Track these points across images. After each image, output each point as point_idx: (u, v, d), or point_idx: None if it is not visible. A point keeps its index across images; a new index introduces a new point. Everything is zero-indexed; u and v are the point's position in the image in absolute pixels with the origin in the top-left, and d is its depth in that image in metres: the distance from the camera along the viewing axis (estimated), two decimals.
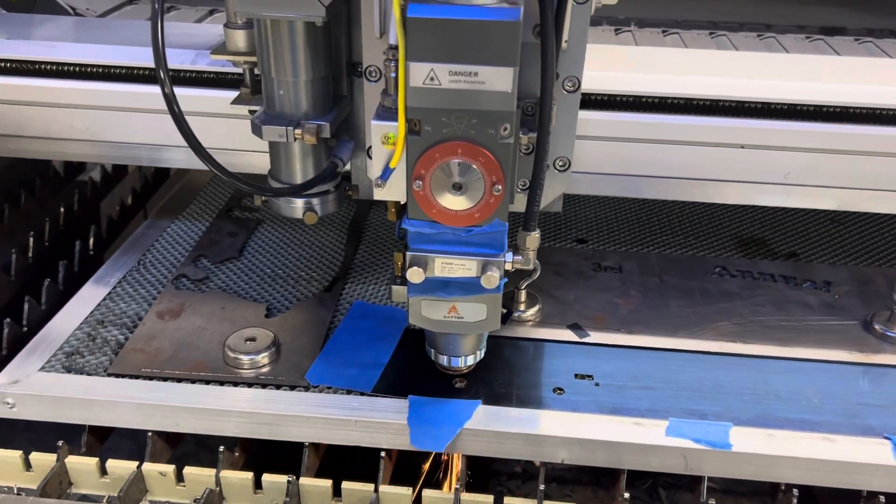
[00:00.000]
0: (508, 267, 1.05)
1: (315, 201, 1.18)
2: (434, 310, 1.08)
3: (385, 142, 0.96)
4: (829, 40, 1.74)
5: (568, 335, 1.34)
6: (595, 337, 1.33)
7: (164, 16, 1.69)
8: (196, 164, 1.42)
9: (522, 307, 1.37)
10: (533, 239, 1.06)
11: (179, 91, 1.34)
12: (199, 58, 1.35)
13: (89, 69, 1.37)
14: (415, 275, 1.03)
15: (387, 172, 0.99)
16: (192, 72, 1.35)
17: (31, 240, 1.65)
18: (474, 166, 0.94)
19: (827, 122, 1.29)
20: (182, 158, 1.42)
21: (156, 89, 1.34)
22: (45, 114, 1.39)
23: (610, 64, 1.37)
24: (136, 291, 1.43)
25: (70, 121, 1.39)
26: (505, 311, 1.35)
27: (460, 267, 1.03)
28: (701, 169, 1.34)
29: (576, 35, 1.01)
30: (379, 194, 1.02)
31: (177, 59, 1.35)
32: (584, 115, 1.30)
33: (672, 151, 1.33)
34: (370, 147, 1.04)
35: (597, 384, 1.23)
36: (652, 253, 1.58)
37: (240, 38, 1.20)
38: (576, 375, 1.25)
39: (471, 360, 1.20)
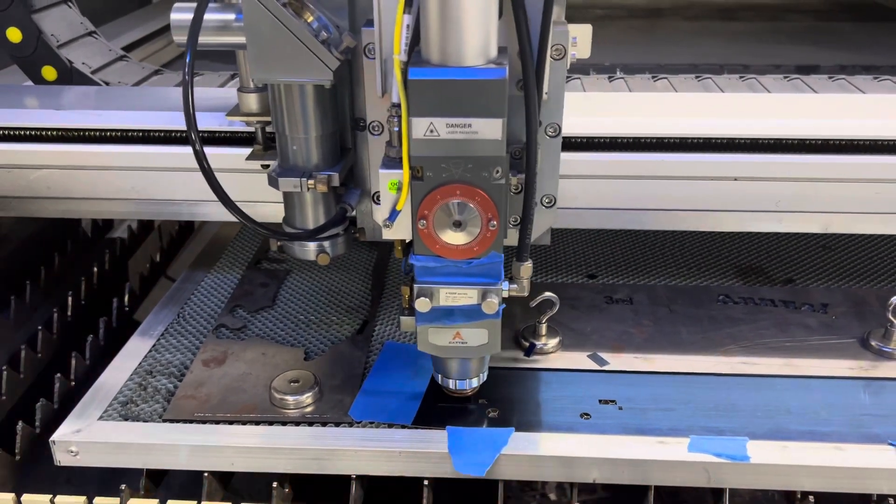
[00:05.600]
0: (505, 294, 1.16)
1: (326, 244, 1.29)
2: (440, 336, 1.19)
3: (391, 188, 1.09)
4: (806, 79, 1.88)
5: (589, 364, 1.43)
6: (614, 364, 1.43)
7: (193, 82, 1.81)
8: (226, 217, 1.54)
9: (544, 340, 1.46)
10: (526, 268, 1.18)
11: (213, 150, 1.47)
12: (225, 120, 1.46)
13: (132, 134, 1.48)
14: (422, 304, 1.14)
15: (394, 214, 1.11)
16: (206, 132, 1.46)
17: (70, 298, 1.73)
18: (471, 205, 1.06)
19: (811, 154, 1.42)
20: (217, 212, 1.52)
21: (189, 149, 1.47)
22: (92, 176, 1.50)
23: (612, 111, 1.50)
24: (180, 342, 1.51)
25: (116, 182, 1.50)
26: (528, 344, 1.46)
27: (462, 296, 1.14)
28: (699, 201, 1.46)
29: (554, 87, 1.14)
30: (387, 234, 1.14)
31: (213, 121, 1.46)
32: (591, 156, 1.43)
33: (672, 186, 1.45)
34: (375, 193, 1.15)
35: (620, 408, 1.32)
36: (659, 285, 1.68)
37: (252, 101, 1.34)
38: (600, 401, 1.34)
39: (475, 383, 1.29)
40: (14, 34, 1.70)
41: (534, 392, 1.36)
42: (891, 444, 1.24)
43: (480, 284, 1.14)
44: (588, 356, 1.45)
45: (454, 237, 1.09)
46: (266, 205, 1.46)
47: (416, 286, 1.14)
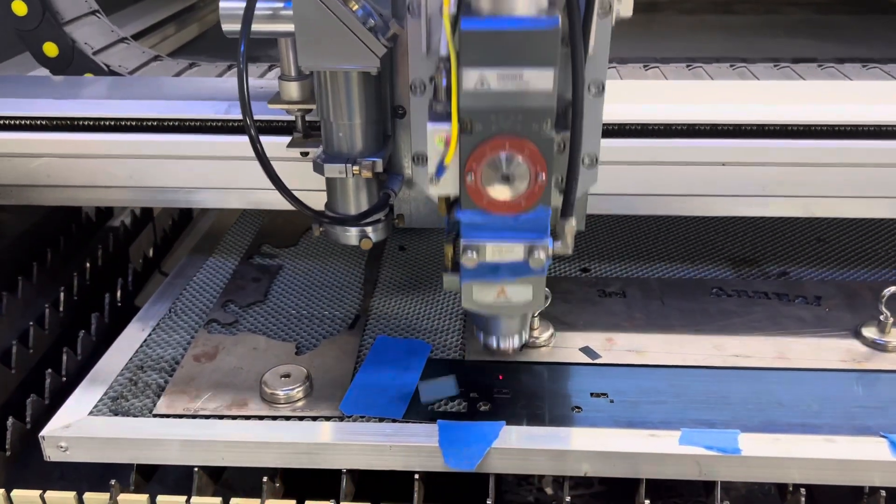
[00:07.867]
0: (550, 252, 1.13)
1: (369, 229, 1.32)
2: (484, 293, 1.17)
3: (439, 142, 1.07)
4: (795, 67, 1.88)
5: (581, 357, 1.42)
6: (606, 358, 1.42)
7: (190, 71, 1.81)
8: (223, 205, 1.55)
9: (536, 333, 1.46)
10: (570, 226, 1.15)
11: (211, 138, 1.48)
12: (231, 108, 1.47)
13: (128, 123, 1.49)
14: (469, 261, 1.12)
15: (441, 170, 1.09)
16: (219, 121, 1.48)
17: (62, 294, 1.72)
18: (520, 158, 1.04)
19: (797, 139, 1.43)
20: (213, 199, 1.56)
21: (187, 138, 1.50)
22: (91, 164, 1.52)
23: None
24: (171, 337, 1.51)
25: (114, 170, 1.51)
26: None
27: (509, 251, 1.12)
28: (687, 186, 1.47)
29: (599, 44, 1.11)
30: (434, 190, 1.12)
31: (210, 110, 1.48)
32: None
33: (661, 171, 1.45)
34: (416, 154, 1.16)
35: (612, 401, 1.32)
36: (652, 278, 1.68)
37: (293, 89, 1.33)
38: (591, 394, 1.34)
39: (516, 341, 1.28)
40: (19, 7, 1.68)
41: (525, 385, 1.36)
42: (883, 436, 1.23)
43: (527, 239, 1.11)
44: (580, 349, 1.44)
45: (502, 191, 1.07)
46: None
47: (462, 242, 1.12)
